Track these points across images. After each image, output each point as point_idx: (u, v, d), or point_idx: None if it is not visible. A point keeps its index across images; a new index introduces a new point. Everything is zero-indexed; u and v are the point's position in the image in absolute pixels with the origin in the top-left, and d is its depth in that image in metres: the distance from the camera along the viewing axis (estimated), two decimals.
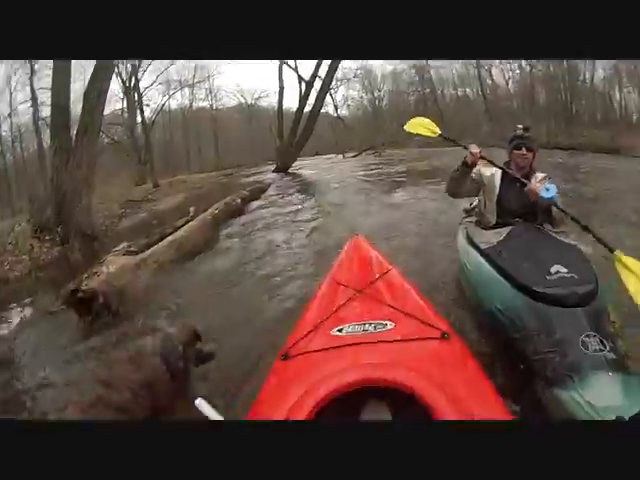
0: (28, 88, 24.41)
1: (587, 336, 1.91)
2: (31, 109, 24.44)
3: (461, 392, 1.43)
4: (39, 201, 9.03)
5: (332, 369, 1.53)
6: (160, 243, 5.19)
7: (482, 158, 3.08)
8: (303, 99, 23.64)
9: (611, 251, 2.26)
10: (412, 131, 3.72)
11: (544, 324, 2.06)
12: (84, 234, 7.92)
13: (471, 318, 2.94)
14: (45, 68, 22.05)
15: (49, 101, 10.93)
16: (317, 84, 23.11)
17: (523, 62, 38.94)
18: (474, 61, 41.34)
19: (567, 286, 2.13)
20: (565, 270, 2.23)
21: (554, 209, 2.84)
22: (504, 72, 41.65)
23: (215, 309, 3.76)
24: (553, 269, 2.25)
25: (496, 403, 1.49)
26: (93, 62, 9.01)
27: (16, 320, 4.61)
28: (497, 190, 3.20)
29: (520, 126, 3.25)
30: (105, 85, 9.21)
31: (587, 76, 34.64)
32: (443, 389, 1.36)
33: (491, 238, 2.89)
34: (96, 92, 8.73)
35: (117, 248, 5.43)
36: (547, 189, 2.68)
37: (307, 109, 23.12)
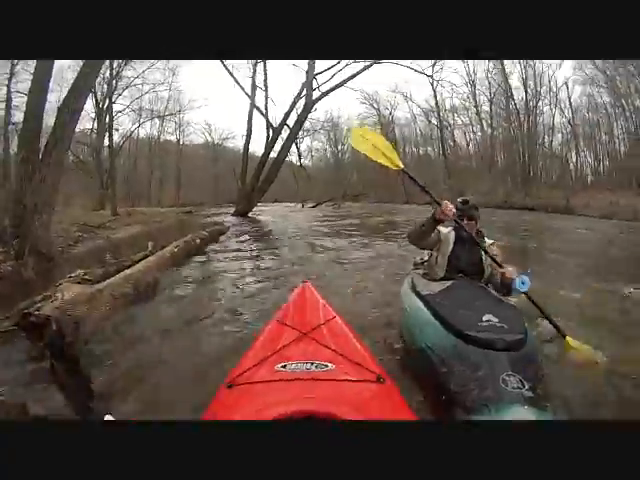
0: (5, 89, 23.96)
1: (508, 375, 2.10)
2: (2, 112, 23.89)
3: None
4: None
5: (274, 400, 1.67)
6: (117, 275, 5.20)
7: (457, 222, 3.31)
8: (269, 145, 23.82)
9: (563, 336, 2.86)
10: (359, 149, 3.53)
11: (469, 363, 2.25)
12: (40, 252, 7.72)
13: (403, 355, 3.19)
14: (25, 72, 21.69)
15: (23, 107, 10.71)
16: (283, 133, 23.68)
17: (485, 125, 40.65)
18: (437, 122, 43.09)
19: (496, 333, 2.34)
20: (496, 320, 2.46)
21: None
22: (466, 134, 43.36)
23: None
24: (485, 317, 2.47)
25: None
26: (71, 75, 8.78)
27: None
28: (451, 247, 3.50)
29: (460, 199, 3.61)
30: (82, 102, 9.14)
31: (546, 139, 36.30)
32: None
33: (434, 288, 3.13)
34: (72, 107, 8.59)
35: (73, 274, 5.43)
36: (523, 282, 2.95)
37: (271, 155, 23.58)
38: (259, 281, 6.18)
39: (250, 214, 21.98)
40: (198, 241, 8.52)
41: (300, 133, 25.93)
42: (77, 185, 25.58)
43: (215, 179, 46.24)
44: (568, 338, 2.85)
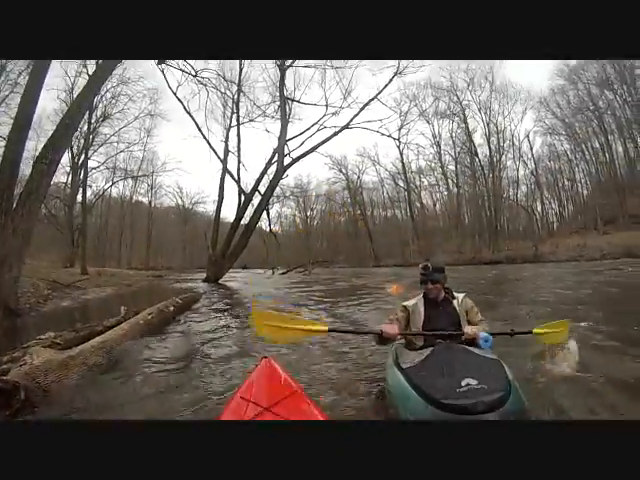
0: None
1: None
2: None
3: None
4: None
5: None
6: (89, 342, 5.02)
7: (402, 335, 3.48)
8: (241, 211, 24.16)
9: (530, 332, 3.28)
10: (272, 340, 3.61)
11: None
12: (8, 308, 7.49)
13: None
14: (4, 115, 21.75)
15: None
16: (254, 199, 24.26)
17: (450, 184, 42.10)
18: (404, 184, 44.61)
19: (475, 396, 2.35)
20: (475, 382, 2.46)
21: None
22: (433, 194, 44.98)
23: None
24: (464, 382, 2.47)
25: None
26: (50, 125, 8.66)
27: None
28: (422, 317, 3.56)
29: (420, 266, 3.71)
30: (60, 153, 9.12)
31: (511, 192, 37.70)
32: None
33: (415, 358, 3.11)
34: (49, 158, 8.48)
35: (43, 336, 5.25)
36: (486, 340, 3.10)
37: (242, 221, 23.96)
38: (230, 347, 6.09)
39: (221, 280, 21.89)
40: (172, 309, 8.36)
41: (270, 199, 26.28)
42: (46, 239, 25.21)
43: (185, 243, 46.38)
44: (534, 330, 3.27)
